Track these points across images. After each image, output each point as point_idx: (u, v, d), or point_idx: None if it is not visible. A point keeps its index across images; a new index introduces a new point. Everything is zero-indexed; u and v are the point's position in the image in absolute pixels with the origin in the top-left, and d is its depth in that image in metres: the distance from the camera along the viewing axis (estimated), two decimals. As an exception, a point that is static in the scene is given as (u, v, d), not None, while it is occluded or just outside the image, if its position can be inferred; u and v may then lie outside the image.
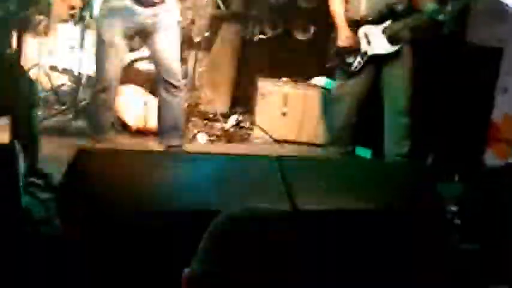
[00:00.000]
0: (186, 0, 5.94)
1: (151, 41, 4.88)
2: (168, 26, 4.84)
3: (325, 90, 5.85)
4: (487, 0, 6.69)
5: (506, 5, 5.20)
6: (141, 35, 4.97)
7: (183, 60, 5.84)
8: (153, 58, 5.06)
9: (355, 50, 5.11)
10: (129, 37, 4.89)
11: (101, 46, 4.83)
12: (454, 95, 5.83)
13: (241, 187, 3.24)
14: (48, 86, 5.84)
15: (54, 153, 4.00)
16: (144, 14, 4.74)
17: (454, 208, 4.05)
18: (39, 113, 4.45)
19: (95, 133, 4.93)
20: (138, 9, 4.72)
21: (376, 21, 5.09)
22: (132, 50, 5.42)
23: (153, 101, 5.37)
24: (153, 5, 4.73)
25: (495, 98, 6.20)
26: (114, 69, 4.83)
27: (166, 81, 4.84)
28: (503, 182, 4.15)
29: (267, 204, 3.09)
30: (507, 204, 3.82)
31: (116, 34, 4.75)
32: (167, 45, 4.84)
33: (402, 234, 3.36)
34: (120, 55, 4.87)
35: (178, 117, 4.99)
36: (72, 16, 5.79)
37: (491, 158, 6.45)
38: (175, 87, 4.89)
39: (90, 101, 5.18)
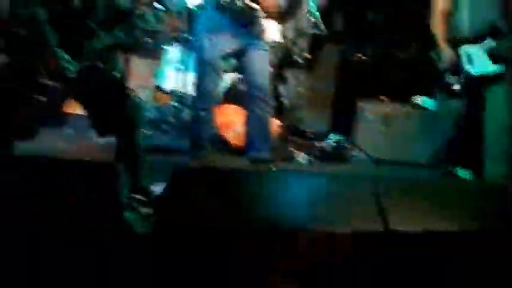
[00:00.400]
0: (288, 21, 5.99)
1: (245, 58, 4.98)
2: (261, 44, 4.96)
3: (427, 110, 5.72)
4: None
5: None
6: (238, 54, 5.06)
7: (284, 80, 5.92)
8: (244, 73, 5.17)
9: (456, 69, 4.99)
10: (227, 57, 4.99)
11: (202, 66, 4.93)
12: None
13: (337, 207, 3.22)
14: (154, 106, 5.97)
15: (156, 170, 4.01)
16: (243, 34, 4.84)
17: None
18: (144, 132, 4.62)
19: (196, 151, 5.01)
20: (238, 29, 4.84)
21: (478, 40, 4.96)
22: (231, 70, 5.51)
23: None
24: (252, 25, 4.80)
25: None
26: (214, 89, 4.93)
27: (254, 96, 4.93)
28: None
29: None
30: None
31: (216, 54, 4.87)
32: (258, 61, 4.96)
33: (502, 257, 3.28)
34: (220, 75, 4.97)
35: (266, 131, 5.05)
36: (177, 38, 5.89)
37: None
38: (264, 101, 4.96)
39: (192, 120, 5.27)
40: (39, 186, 3.02)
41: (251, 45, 4.92)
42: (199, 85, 5.04)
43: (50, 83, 3.62)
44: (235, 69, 5.81)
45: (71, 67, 3.60)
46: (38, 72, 3.61)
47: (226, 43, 4.87)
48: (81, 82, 3.69)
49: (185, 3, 5.94)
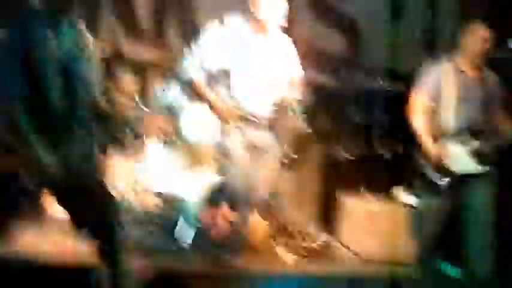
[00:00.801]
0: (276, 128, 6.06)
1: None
2: None
3: (412, 208, 5.68)
4: None
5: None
6: None
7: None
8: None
9: (442, 167, 4.99)
10: None
11: None
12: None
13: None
14: (139, 207, 5.85)
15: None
16: None
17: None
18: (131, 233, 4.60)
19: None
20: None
21: (462, 139, 5.01)
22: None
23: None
24: None
25: None
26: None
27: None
28: None
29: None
30: None
31: None
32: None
33: None
34: None
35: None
36: (162, 138, 5.91)
37: None
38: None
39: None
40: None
41: None
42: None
43: (31, 186, 3.57)
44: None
45: (52, 168, 3.52)
46: (19, 174, 3.54)
47: None
48: (62, 184, 3.61)
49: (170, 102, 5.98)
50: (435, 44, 6.92)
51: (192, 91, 4.95)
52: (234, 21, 4.86)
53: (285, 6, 4.90)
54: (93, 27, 5.93)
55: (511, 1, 6.17)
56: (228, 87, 4.84)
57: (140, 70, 6.52)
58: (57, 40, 3.62)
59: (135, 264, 3.88)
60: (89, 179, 3.73)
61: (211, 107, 4.87)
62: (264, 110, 4.99)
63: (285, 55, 5.03)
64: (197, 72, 4.85)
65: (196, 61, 4.84)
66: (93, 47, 3.90)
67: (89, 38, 3.89)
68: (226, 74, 4.82)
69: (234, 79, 4.83)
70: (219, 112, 4.83)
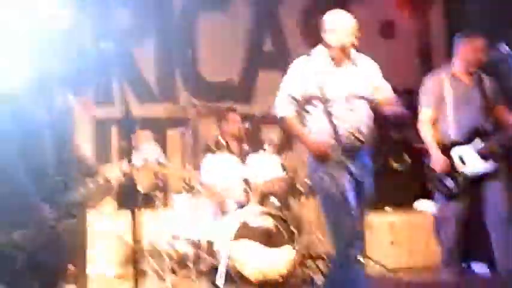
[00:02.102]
0: (287, 154, 5.98)
1: None
2: None
3: (434, 214, 5.65)
4: None
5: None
6: None
7: (288, 208, 5.96)
8: None
9: (451, 172, 4.95)
10: None
11: None
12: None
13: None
14: (173, 253, 5.79)
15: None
16: None
17: None
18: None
19: None
20: None
21: (467, 141, 4.96)
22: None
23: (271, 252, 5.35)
24: None
25: None
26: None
27: None
28: None
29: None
30: None
31: None
32: None
33: None
34: None
35: None
36: (185, 187, 5.81)
37: None
38: None
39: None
40: None
41: None
42: None
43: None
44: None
45: (52, 222, 3.39)
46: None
47: None
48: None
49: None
50: (427, 58, 6.99)
51: (285, 128, 4.72)
52: (318, 52, 4.56)
53: (353, 25, 4.51)
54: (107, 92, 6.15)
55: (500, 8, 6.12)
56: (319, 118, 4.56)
57: (159, 127, 6.59)
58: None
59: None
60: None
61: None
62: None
63: (370, 77, 4.64)
64: (287, 108, 4.61)
65: (286, 97, 4.59)
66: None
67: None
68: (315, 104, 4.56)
69: (331, 107, 4.54)
70: (314, 148, 4.54)
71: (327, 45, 4.49)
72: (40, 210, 3.56)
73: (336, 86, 4.43)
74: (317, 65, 4.46)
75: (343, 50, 4.46)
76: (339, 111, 4.42)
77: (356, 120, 4.44)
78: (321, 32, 4.51)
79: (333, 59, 4.47)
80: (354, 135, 4.43)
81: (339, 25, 4.44)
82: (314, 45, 6.87)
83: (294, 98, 4.43)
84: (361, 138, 4.46)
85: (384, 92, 4.60)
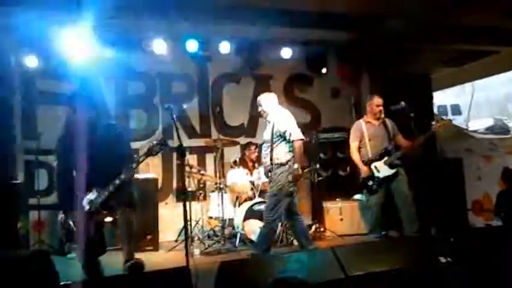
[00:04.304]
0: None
1: None
2: None
3: (361, 202, 5.70)
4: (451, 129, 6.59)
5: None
6: None
7: None
8: None
9: (371, 177, 5.06)
10: None
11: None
12: (439, 189, 5.61)
13: (317, 265, 3.19)
14: (208, 227, 5.90)
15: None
16: None
17: (449, 259, 3.78)
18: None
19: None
20: None
21: (379, 158, 5.06)
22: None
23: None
24: None
25: (467, 185, 5.91)
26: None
27: None
28: (486, 236, 3.86)
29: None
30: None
31: None
32: None
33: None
34: None
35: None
36: (217, 188, 5.78)
37: (480, 222, 6.09)
38: None
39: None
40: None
41: None
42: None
43: None
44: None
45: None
46: None
47: None
48: None
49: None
50: (359, 109, 6.86)
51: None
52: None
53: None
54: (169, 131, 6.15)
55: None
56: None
57: (200, 152, 6.51)
58: None
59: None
60: None
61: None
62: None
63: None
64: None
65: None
66: None
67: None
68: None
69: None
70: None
71: None
72: None
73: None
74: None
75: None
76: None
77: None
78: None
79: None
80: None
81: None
82: (294, 105, 6.98)
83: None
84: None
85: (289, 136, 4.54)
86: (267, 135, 4.67)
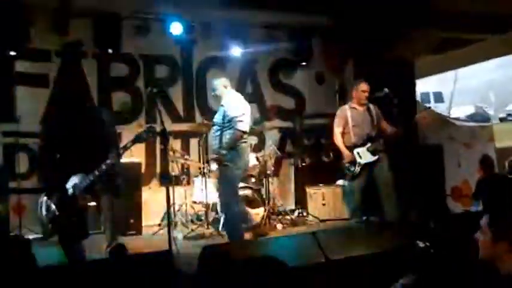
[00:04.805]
0: (260, 152, 6.10)
1: None
2: None
3: (344, 187, 5.77)
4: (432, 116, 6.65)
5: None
6: None
7: (263, 185, 5.93)
8: None
9: (353, 162, 5.07)
10: None
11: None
12: (419, 175, 5.67)
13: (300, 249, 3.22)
14: (192, 211, 5.88)
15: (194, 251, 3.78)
16: None
17: (427, 243, 3.85)
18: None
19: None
20: None
21: (362, 144, 5.08)
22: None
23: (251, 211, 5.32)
24: None
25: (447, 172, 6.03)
26: None
27: None
28: (465, 222, 3.91)
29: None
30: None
31: None
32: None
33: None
34: None
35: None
36: (200, 173, 5.81)
37: (459, 208, 6.22)
38: None
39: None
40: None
41: None
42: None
43: None
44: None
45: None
46: None
47: None
48: None
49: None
50: (343, 95, 6.93)
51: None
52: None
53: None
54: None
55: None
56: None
57: (184, 137, 6.42)
58: None
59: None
60: None
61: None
62: None
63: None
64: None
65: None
66: None
67: None
68: None
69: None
70: None
71: None
72: None
73: None
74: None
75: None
76: None
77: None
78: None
79: None
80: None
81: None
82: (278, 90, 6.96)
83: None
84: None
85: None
86: (218, 118, 4.74)
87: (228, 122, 4.62)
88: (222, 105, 4.75)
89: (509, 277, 2.04)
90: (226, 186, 4.67)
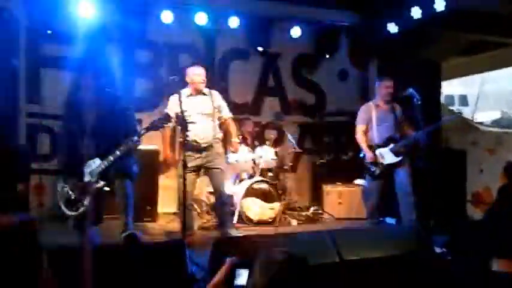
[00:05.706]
0: (279, 146, 6.05)
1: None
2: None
3: (363, 187, 5.67)
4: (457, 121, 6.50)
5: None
6: None
7: (279, 180, 5.91)
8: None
9: (375, 163, 4.99)
10: None
11: None
12: (441, 180, 5.54)
13: (314, 247, 3.13)
14: (208, 202, 5.77)
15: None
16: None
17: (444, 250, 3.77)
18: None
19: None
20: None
21: (384, 144, 4.99)
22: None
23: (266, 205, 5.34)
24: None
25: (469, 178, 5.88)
26: None
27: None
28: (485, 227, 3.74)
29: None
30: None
31: None
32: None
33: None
34: None
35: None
36: None
37: (478, 214, 6.07)
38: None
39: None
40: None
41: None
42: None
43: None
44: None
45: None
46: None
47: None
48: None
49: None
50: (366, 93, 6.84)
51: None
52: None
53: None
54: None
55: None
56: None
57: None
58: None
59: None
60: None
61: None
62: None
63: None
64: None
65: None
66: None
67: None
68: None
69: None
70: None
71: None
72: None
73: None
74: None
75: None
76: None
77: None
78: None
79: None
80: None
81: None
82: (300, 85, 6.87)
83: None
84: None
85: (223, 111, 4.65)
86: (206, 108, 4.57)
87: (217, 111, 4.62)
88: (205, 94, 4.67)
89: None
90: (224, 176, 4.66)
